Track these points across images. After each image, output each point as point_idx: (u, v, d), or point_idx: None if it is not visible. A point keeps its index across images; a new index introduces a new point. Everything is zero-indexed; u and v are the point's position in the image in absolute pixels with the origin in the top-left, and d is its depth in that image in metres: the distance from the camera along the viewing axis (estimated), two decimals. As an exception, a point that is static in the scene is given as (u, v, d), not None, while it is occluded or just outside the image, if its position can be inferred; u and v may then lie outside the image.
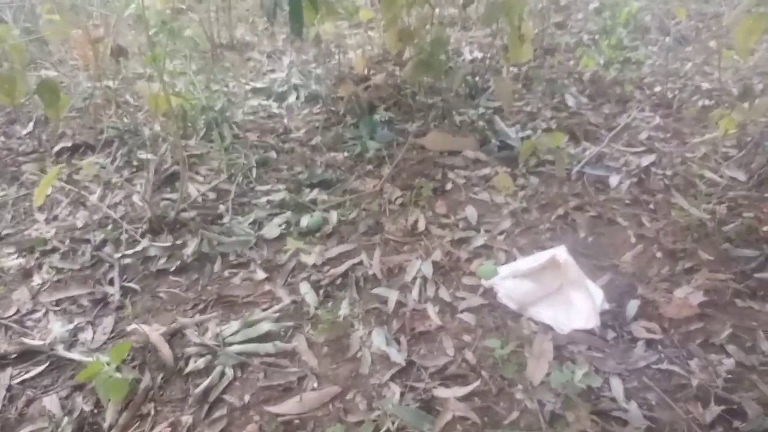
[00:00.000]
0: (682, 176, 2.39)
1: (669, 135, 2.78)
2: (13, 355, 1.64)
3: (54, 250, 2.07)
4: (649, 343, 1.62)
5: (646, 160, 2.56)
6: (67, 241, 2.10)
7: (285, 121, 3.03)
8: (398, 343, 1.66)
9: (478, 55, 3.93)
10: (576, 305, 1.74)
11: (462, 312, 1.78)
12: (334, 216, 2.25)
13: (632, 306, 1.75)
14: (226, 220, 2.22)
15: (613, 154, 2.64)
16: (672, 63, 3.51)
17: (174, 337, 1.69)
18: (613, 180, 2.44)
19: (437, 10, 4.29)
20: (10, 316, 1.79)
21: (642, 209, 2.25)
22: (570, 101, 3.21)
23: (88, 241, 2.10)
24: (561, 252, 1.82)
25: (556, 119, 3.00)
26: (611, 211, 2.25)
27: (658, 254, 1.99)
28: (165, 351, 1.60)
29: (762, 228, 1.99)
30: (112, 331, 1.72)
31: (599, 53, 3.45)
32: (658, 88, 3.29)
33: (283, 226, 2.20)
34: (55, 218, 2.27)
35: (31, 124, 2.99)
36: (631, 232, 2.12)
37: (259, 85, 3.47)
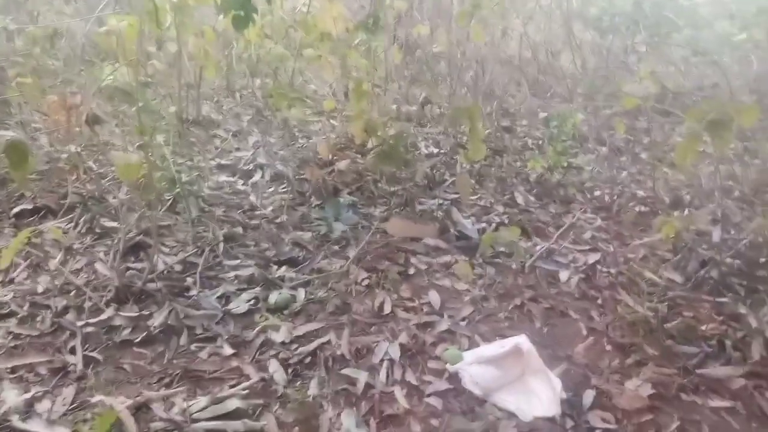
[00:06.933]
0: (625, 275, 2.60)
1: (611, 236, 3.02)
2: (-38, 426, 1.54)
3: (11, 314, 1.98)
4: (606, 433, 1.72)
5: (592, 258, 2.77)
6: (26, 306, 2.02)
7: (251, 198, 3.09)
8: (368, 425, 1.68)
9: (434, 150, 4.18)
10: (538, 393, 1.83)
11: (429, 396, 1.83)
12: (302, 294, 2.28)
13: (588, 396, 1.85)
14: (193, 293, 2.21)
15: (561, 250, 2.83)
16: (609, 171, 3.86)
17: (139, 411, 1.64)
18: (563, 275, 2.62)
19: (397, 106, 4.59)
20: (-41, 383, 1.69)
21: (591, 304, 2.42)
22: (519, 199, 3.44)
23: (48, 307, 2.04)
24: (524, 341, 1.92)
25: (508, 214, 3.21)
26: (563, 303, 2.41)
27: (608, 347, 2.13)
28: (131, 425, 1.56)
29: (700, 327, 2.18)
30: (72, 402, 1.65)
31: (544, 157, 3.75)
32: (598, 193, 3.60)
33: (252, 302, 2.20)
34: (12, 281, 2.19)
35: (-11, 184, 2.90)
36: (583, 325, 2.27)
37: (224, 161, 3.54)
